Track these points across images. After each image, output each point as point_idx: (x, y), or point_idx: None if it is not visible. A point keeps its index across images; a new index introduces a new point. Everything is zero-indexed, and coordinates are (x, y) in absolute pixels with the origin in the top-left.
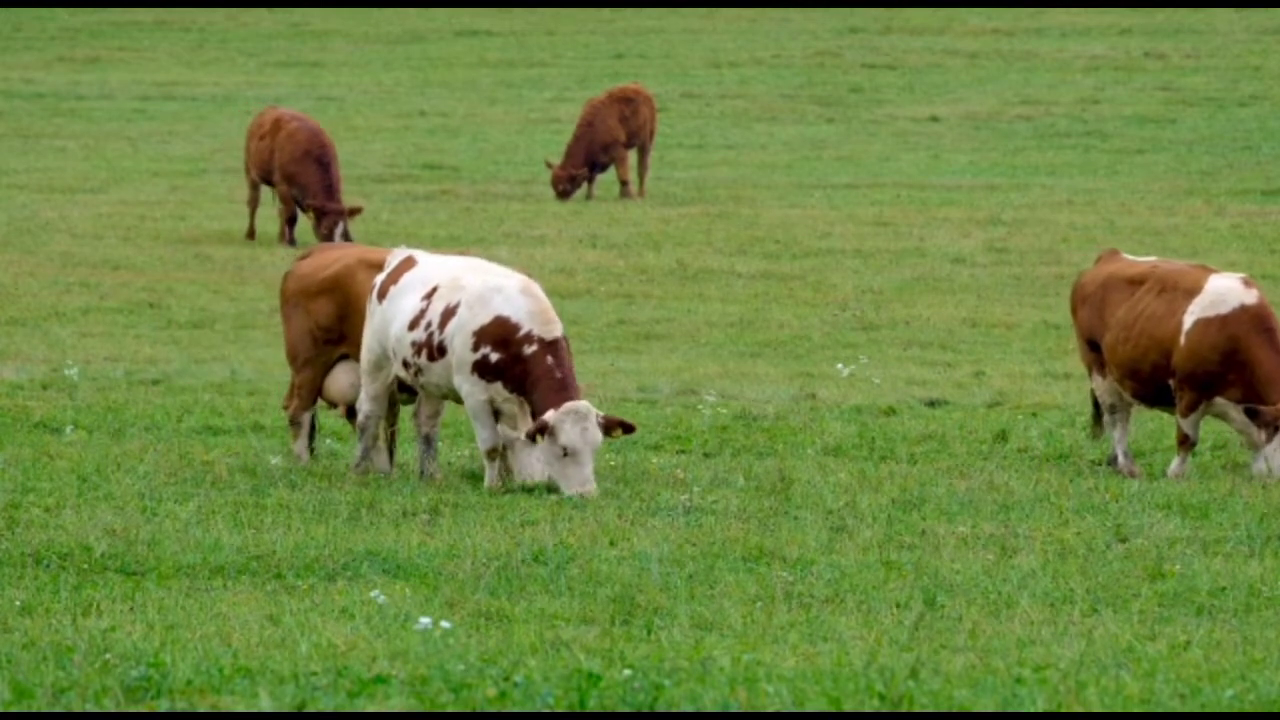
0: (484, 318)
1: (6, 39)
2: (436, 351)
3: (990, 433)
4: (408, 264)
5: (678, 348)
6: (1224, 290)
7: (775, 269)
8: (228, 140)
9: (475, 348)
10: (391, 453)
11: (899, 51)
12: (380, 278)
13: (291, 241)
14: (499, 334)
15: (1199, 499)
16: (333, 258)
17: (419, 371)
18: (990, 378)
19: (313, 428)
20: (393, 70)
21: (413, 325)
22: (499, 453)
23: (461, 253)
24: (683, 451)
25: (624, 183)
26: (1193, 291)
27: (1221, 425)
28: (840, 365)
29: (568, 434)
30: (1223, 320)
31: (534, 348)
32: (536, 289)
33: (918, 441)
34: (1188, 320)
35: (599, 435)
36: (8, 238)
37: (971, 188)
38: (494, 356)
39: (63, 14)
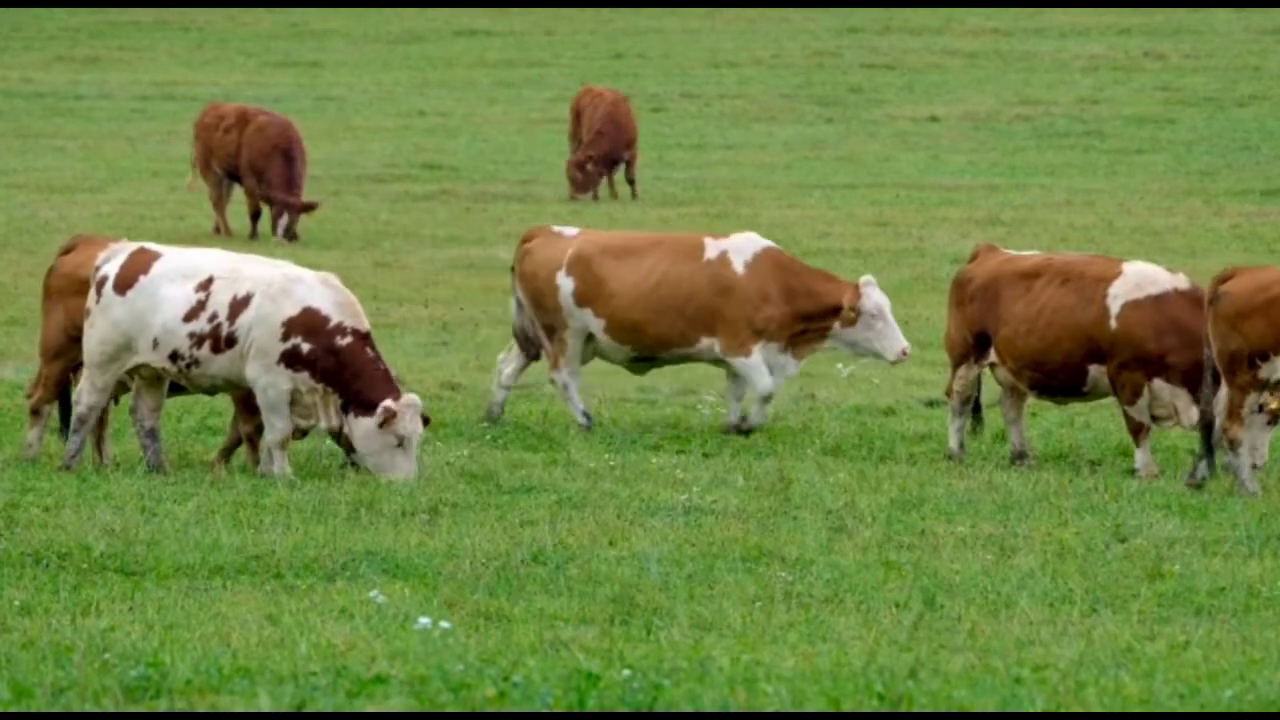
0: (291, 309)
1: (6, 39)
2: (225, 343)
3: (990, 433)
4: (147, 255)
5: None
6: (1150, 273)
7: None
8: None
9: (285, 338)
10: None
11: (898, 51)
12: (111, 269)
13: (254, 235)
14: (309, 324)
15: (1198, 499)
16: (98, 253)
17: (194, 363)
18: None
19: (66, 417)
20: (392, 70)
21: (189, 317)
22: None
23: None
24: (682, 452)
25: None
26: (1106, 278)
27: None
28: (840, 365)
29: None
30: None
31: (348, 339)
32: (335, 280)
33: (917, 441)
34: (1115, 305)
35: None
36: (7, 237)
37: (970, 188)
38: (305, 347)
39: (62, 14)
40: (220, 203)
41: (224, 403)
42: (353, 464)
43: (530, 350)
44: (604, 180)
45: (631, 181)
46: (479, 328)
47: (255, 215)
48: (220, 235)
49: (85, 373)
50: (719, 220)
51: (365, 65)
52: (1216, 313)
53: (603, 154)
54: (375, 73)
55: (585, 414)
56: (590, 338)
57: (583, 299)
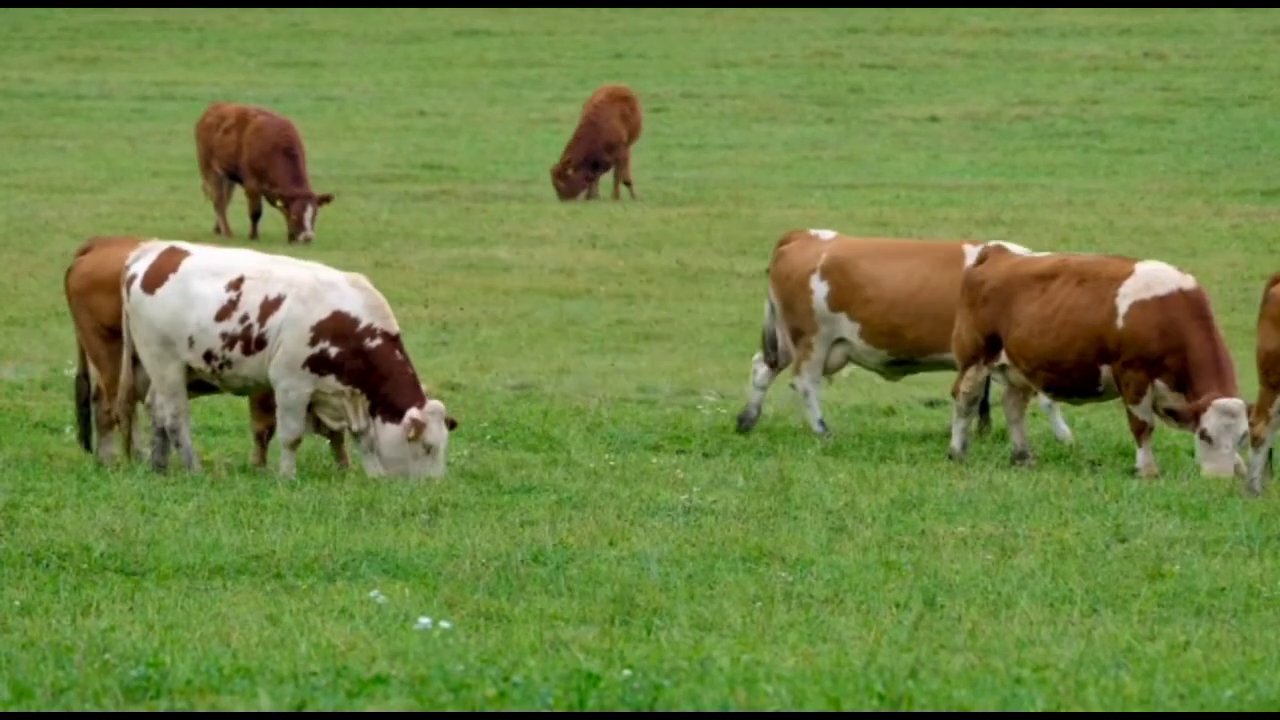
0: (321, 313)
1: (6, 39)
2: (255, 345)
3: (990, 433)
4: (176, 254)
5: (678, 348)
6: (1160, 273)
7: None
8: None
9: (313, 342)
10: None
11: (898, 51)
12: (139, 268)
13: (254, 235)
14: (338, 329)
15: (1198, 499)
16: (114, 253)
17: (226, 364)
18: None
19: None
20: (392, 70)
21: (221, 316)
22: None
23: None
24: (682, 451)
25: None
26: (1119, 278)
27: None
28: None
29: None
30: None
31: (377, 341)
32: (365, 281)
33: (917, 441)
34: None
35: None
36: (7, 238)
37: (971, 188)
38: (333, 351)
39: (62, 14)
40: (221, 203)
41: (223, 403)
42: (338, 457)
43: (771, 357)
44: (592, 183)
45: (628, 183)
46: (479, 328)
47: (255, 215)
48: (221, 235)
49: (152, 384)
50: (719, 220)
51: (365, 65)
52: (1262, 314)
53: (580, 159)
54: (375, 73)
55: (821, 422)
56: (839, 343)
57: (837, 303)
